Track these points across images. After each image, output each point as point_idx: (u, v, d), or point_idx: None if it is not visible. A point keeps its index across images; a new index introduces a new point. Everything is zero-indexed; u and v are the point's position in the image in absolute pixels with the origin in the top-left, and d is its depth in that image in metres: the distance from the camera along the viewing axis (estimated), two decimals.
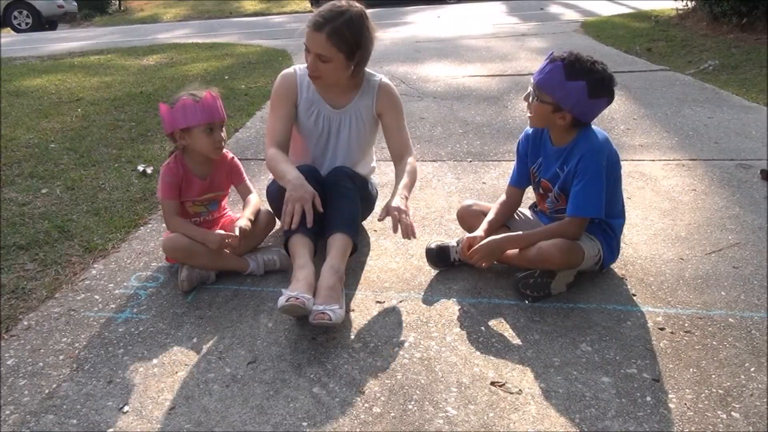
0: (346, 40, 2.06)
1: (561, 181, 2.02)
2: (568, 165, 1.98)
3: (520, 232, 2.04)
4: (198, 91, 2.09)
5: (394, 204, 2.00)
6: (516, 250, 2.01)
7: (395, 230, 1.96)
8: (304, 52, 2.14)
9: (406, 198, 2.07)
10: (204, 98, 2.06)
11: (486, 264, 2.05)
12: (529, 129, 2.17)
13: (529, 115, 2.02)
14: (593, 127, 2.01)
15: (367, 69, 2.32)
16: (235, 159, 2.30)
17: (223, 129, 2.16)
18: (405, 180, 2.16)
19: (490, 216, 2.16)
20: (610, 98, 1.92)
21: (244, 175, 2.32)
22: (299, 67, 2.34)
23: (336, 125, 2.33)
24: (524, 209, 2.27)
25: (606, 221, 2.05)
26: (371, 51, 2.19)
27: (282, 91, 2.29)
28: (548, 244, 1.93)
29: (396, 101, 2.35)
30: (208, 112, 2.07)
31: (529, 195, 2.28)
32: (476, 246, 2.02)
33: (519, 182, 2.20)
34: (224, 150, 2.20)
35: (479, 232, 2.08)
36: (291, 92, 2.29)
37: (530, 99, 1.96)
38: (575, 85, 1.85)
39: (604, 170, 1.94)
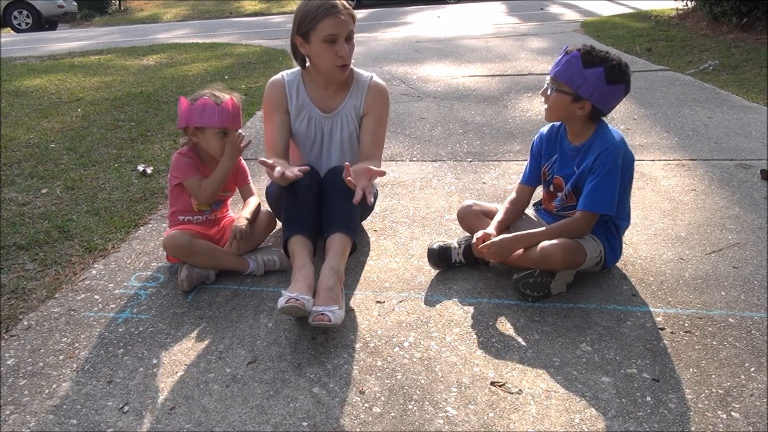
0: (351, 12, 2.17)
1: (575, 178, 2.03)
2: (584, 162, 1.99)
3: (531, 231, 2.02)
4: (221, 94, 2.14)
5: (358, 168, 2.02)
6: (520, 250, 2.00)
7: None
8: (329, 47, 2.12)
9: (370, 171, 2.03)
10: (225, 103, 2.11)
11: (494, 260, 2.04)
12: (543, 129, 2.18)
13: (545, 108, 2.02)
14: (610, 126, 2.02)
15: (362, 70, 2.35)
16: (242, 161, 2.35)
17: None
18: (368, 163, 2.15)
19: (499, 216, 2.15)
20: (627, 86, 1.93)
21: (249, 177, 2.37)
22: (286, 72, 2.35)
23: (328, 129, 2.34)
24: (527, 209, 2.27)
25: (614, 221, 2.06)
26: None
27: (273, 100, 2.31)
28: (550, 244, 1.93)
29: (383, 102, 2.33)
30: (226, 118, 2.12)
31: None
32: (489, 241, 2.01)
33: (530, 181, 2.22)
34: None
35: (490, 230, 2.08)
36: (281, 100, 2.31)
37: (549, 92, 1.98)
38: (593, 72, 1.87)
39: (620, 168, 1.95)
